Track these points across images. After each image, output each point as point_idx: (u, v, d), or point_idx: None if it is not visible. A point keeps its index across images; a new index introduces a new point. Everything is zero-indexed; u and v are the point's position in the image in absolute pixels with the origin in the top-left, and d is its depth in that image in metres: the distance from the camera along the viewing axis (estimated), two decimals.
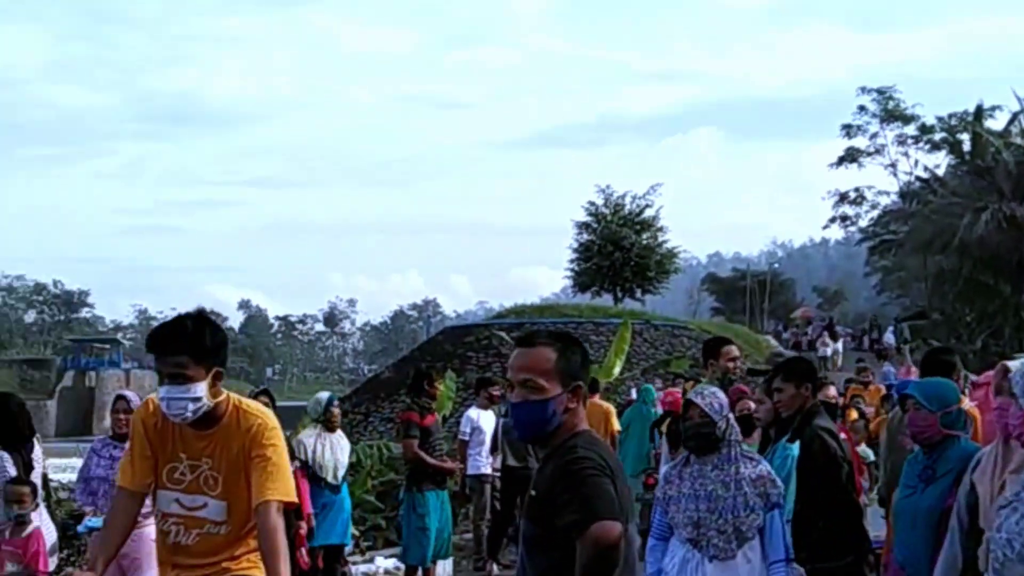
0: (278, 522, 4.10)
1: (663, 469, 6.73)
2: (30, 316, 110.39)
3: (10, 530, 7.01)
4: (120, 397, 7.73)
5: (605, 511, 3.43)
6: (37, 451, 7.49)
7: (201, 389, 4.11)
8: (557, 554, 3.52)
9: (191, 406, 4.11)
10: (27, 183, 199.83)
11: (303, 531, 8.72)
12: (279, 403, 9.73)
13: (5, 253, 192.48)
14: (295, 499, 4.28)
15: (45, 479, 7.78)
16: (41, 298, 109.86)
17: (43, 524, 7.12)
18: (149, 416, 4.31)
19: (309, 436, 9.24)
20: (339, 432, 9.57)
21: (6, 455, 7.21)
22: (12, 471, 7.12)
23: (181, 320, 4.21)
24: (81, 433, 54.69)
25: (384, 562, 12.37)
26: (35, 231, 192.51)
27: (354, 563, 11.25)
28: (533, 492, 3.68)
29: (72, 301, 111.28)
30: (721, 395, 5.63)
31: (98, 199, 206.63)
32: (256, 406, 4.33)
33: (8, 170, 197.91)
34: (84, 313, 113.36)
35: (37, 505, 7.10)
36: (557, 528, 3.51)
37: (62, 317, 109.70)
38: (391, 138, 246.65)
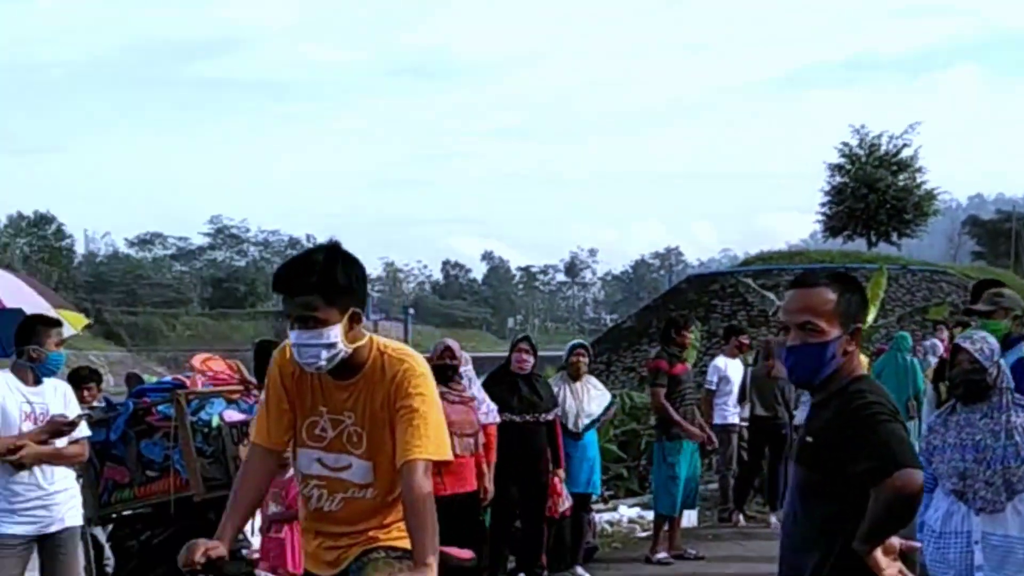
0: (424, 485, 3.50)
1: (928, 418, 6.42)
2: None
3: None
4: None
5: (906, 458, 3.28)
6: None
7: (335, 333, 3.52)
8: (838, 501, 3.39)
9: (324, 353, 3.54)
10: (282, 140, 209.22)
11: (560, 477, 8.79)
12: None
13: (262, 209, 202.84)
14: (448, 455, 3.68)
15: None
16: (295, 252, 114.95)
17: None
18: (286, 364, 3.74)
19: (554, 384, 9.27)
20: (591, 380, 9.55)
21: None
22: None
23: (310, 255, 3.63)
24: None
25: (628, 511, 12.38)
26: (289, 187, 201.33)
27: (598, 511, 11.29)
28: (809, 438, 3.54)
29: None
30: (992, 340, 5.31)
31: (348, 154, 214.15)
32: (404, 349, 3.75)
33: (264, 127, 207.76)
34: None
35: None
36: (842, 475, 3.36)
37: None
38: (635, 85, 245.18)
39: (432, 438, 3.56)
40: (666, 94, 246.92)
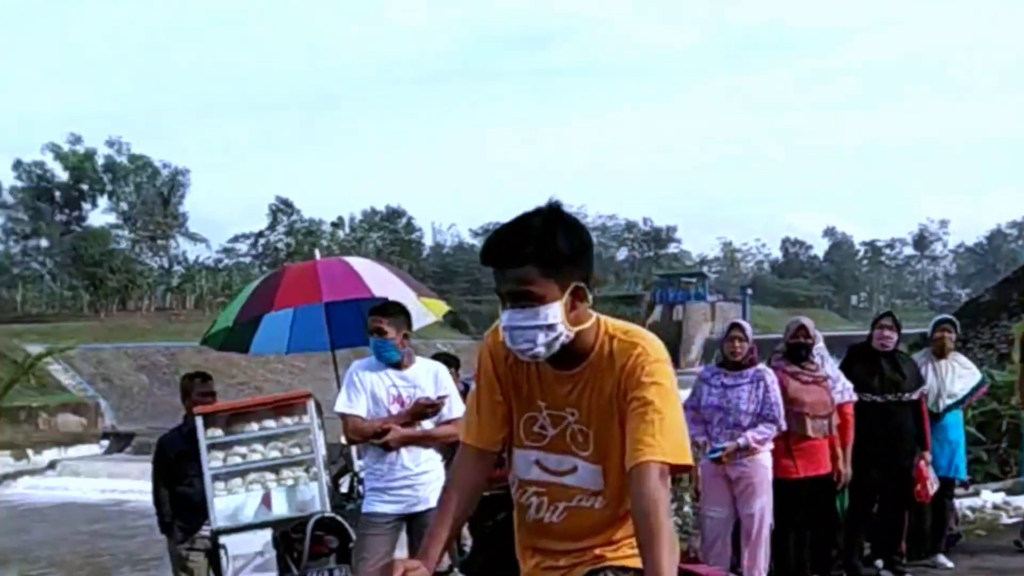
0: (658, 493, 2.86)
1: None
2: (622, 254, 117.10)
3: None
4: (735, 325, 7.79)
5: None
6: None
7: (555, 313, 2.95)
8: None
9: (542, 337, 2.97)
10: (616, 124, 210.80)
11: (926, 460, 8.42)
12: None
13: (599, 194, 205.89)
14: (689, 459, 3.01)
15: None
16: (632, 236, 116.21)
17: None
18: (499, 349, 3.18)
19: (918, 361, 8.84)
20: (958, 358, 9.03)
21: None
22: None
23: (524, 219, 3.01)
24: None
25: (991, 496, 11.68)
26: (626, 170, 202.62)
27: (959, 497, 10.70)
28: None
29: (660, 237, 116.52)
30: None
31: (684, 134, 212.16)
32: (637, 332, 3.12)
33: (599, 112, 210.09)
34: (672, 248, 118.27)
35: None
36: None
37: (651, 253, 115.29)
38: (983, 49, 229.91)
39: (669, 437, 2.93)
40: (1017, 55, 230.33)
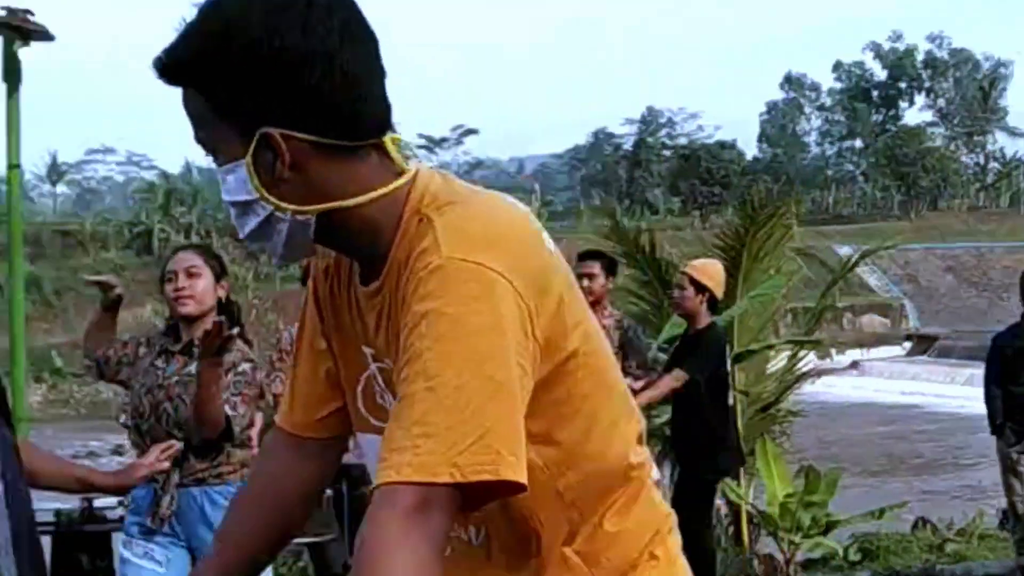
0: (388, 549, 1.34)
1: None
2: None
3: None
4: None
5: None
6: None
7: (237, 180, 1.55)
8: None
9: (246, 223, 1.59)
10: None
11: None
12: None
13: None
14: (489, 473, 1.36)
15: None
16: None
17: None
18: (322, 260, 1.79)
19: None
20: None
21: None
22: None
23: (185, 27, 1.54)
24: None
25: None
26: None
27: None
28: None
29: None
30: None
31: None
32: (452, 202, 1.55)
33: None
34: None
35: None
36: None
37: None
38: None
39: (440, 431, 1.38)
40: None
